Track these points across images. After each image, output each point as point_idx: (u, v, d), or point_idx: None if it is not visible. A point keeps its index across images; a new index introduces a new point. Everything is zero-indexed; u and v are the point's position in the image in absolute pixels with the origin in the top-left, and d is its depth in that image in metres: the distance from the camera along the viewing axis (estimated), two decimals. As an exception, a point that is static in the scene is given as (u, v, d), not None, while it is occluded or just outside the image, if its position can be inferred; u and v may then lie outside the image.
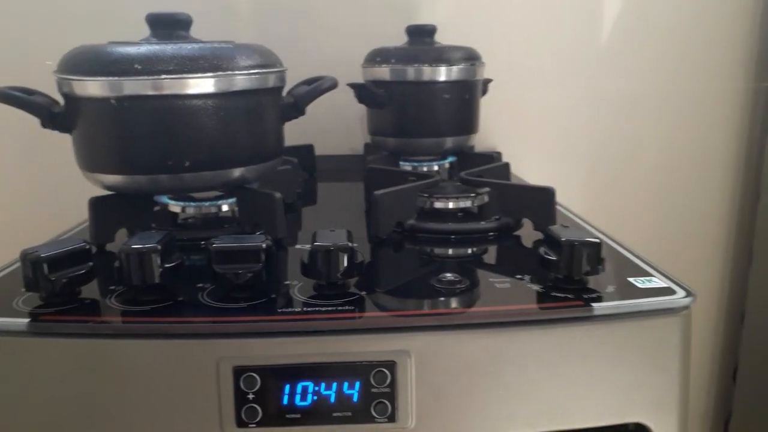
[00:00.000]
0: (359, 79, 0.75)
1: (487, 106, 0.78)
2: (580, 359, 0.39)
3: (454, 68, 0.70)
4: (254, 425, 0.37)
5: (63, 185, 0.82)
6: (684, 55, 0.91)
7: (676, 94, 0.93)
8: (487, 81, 0.78)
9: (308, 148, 0.82)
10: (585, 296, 0.40)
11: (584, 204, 0.95)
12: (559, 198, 0.56)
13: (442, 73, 0.69)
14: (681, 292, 0.40)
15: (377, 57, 0.72)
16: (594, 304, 0.39)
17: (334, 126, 0.89)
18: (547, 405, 0.39)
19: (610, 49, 0.90)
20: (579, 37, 0.90)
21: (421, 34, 0.73)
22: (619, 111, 0.93)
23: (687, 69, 0.92)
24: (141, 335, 0.37)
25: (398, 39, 0.79)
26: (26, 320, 0.38)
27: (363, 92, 0.72)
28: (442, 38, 0.76)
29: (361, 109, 0.76)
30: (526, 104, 0.92)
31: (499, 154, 0.85)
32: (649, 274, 0.43)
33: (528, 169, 0.92)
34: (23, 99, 0.50)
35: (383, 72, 0.71)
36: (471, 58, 0.71)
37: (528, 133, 0.93)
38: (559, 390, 0.39)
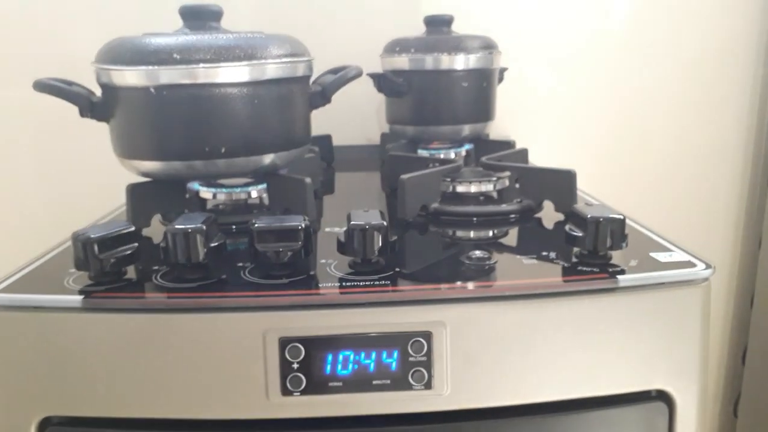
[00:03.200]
0: (374, 69, 0.77)
1: (501, 95, 0.80)
2: (606, 329, 0.41)
3: (472, 57, 0.71)
4: (298, 393, 0.39)
5: (96, 172, 0.84)
6: (696, 44, 0.93)
7: (688, 83, 0.94)
8: (503, 69, 0.80)
9: (327, 138, 0.84)
10: (610, 269, 0.41)
11: (596, 191, 0.97)
12: None
13: (460, 62, 0.71)
14: (701, 265, 0.42)
15: (396, 47, 0.74)
16: (619, 277, 0.41)
17: (351, 117, 0.90)
18: (574, 373, 0.41)
19: (624, 40, 0.92)
20: (594, 28, 0.91)
21: (439, 23, 0.75)
22: (633, 100, 0.94)
23: (699, 58, 0.93)
24: (190, 310, 0.39)
25: (414, 29, 0.80)
26: (80, 297, 0.40)
27: (383, 81, 0.74)
28: (459, 28, 0.78)
29: (377, 100, 0.78)
30: (539, 93, 0.93)
31: (513, 142, 0.87)
32: (669, 249, 0.45)
33: (540, 156, 0.94)
34: (63, 89, 0.52)
35: (402, 61, 0.73)
36: (488, 46, 0.73)
37: (541, 121, 0.95)
38: (586, 358, 0.41)
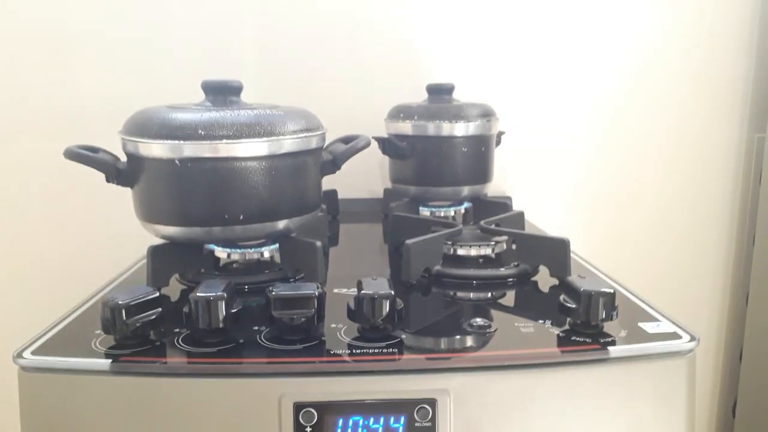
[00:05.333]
0: (379, 129, 0.82)
1: (500, 155, 0.85)
2: (598, 397, 0.44)
3: (471, 124, 0.76)
4: (311, 456, 0.41)
5: (117, 235, 0.89)
6: (685, 108, 0.98)
7: (676, 144, 1.00)
8: (501, 133, 0.85)
9: (333, 193, 0.88)
10: (601, 340, 0.45)
11: (589, 245, 1.01)
12: (564, 233, 0.63)
13: (461, 129, 0.75)
14: (686, 337, 0.45)
15: (400, 113, 0.78)
16: (609, 348, 0.44)
17: (355, 172, 0.95)
18: (562, 421, 0.43)
19: (615, 106, 0.97)
20: (587, 92, 0.97)
21: (441, 92, 0.80)
22: (624, 161, 0.99)
23: (687, 121, 0.99)
24: (210, 375, 0.42)
25: (416, 93, 0.85)
26: (108, 361, 0.43)
27: (387, 145, 0.79)
28: (459, 94, 0.83)
29: (380, 156, 0.82)
30: (536, 154, 0.98)
31: (510, 199, 0.91)
32: (656, 320, 0.48)
33: (536, 212, 0.98)
34: (91, 157, 0.55)
35: (406, 127, 0.77)
36: (486, 114, 0.78)
37: (538, 180, 0.99)
38: (580, 424, 0.43)
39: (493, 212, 0.76)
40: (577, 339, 0.45)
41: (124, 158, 0.57)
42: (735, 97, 0.98)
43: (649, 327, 0.47)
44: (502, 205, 0.79)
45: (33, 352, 0.44)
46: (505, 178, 0.97)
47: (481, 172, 0.79)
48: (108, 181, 0.56)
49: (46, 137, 0.92)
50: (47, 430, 0.43)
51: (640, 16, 0.95)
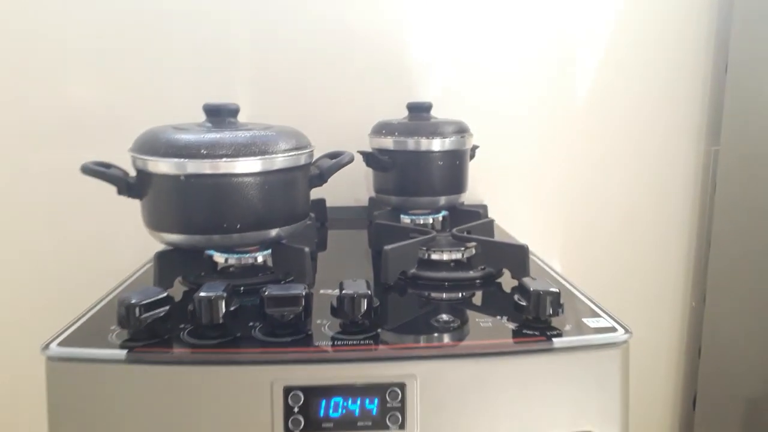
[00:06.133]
0: (363, 143, 0.89)
1: (475, 165, 0.92)
2: (544, 382, 0.51)
3: (447, 140, 0.83)
4: (298, 431, 0.48)
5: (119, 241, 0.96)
6: (645, 123, 1.07)
7: (639, 155, 1.08)
8: (475, 147, 0.92)
9: (321, 202, 0.95)
10: (548, 333, 0.52)
11: (559, 245, 1.09)
12: (536, 240, 0.69)
13: (437, 144, 0.83)
14: (621, 330, 0.53)
15: (383, 129, 0.86)
16: (555, 340, 0.51)
17: (342, 182, 1.01)
18: (519, 417, 0.51)
19: (581, 118, 1.06)
20: (555, 108, 1.05)
21: (420, 110, 0.88)
22: (590, 170, 1.07)
23: (648, 134, 1.07)
24: (211, 363, 0.49)
25: (397, 110, 0.93)
26: (124, 351, 0.50)
27: (370, 158, 0.86)
28: (437, 112, 0.90)
29: (365, 167, 0.89)
30: (508, 164, 1.06)
31: (485, 207, 0.99)
32: (598, 315, 0.56)
33: (509, 217, 1.06)
34: (105, 173, 0.62)
35: (388, 142, 0.85)
36: (461, 131, 0.85)
37: (510, 187, 1.07)
38: (529, 405, 0.51)
39: (467, 220, 0.83)
40: (527, 332, 0.53)
41: (132, 173, 0.64)
42: (693, 113, 1.07)
43: (591, 322, 0.55)
44: (475, 213, 0.87)
45: (59, 344, 0.51)
46: (482, 188, 1.05)
47: (456, 184, 0.86)
48: (119, 193, 0.63)
49: (57, 146, 0.99)
50: (71, 413, 0.50)
51: (603, 40, 1.03)
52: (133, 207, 0.64)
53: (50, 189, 1.00)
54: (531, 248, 0.66)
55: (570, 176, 1.07)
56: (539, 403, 0.51)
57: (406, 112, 0.89)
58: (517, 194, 1.07)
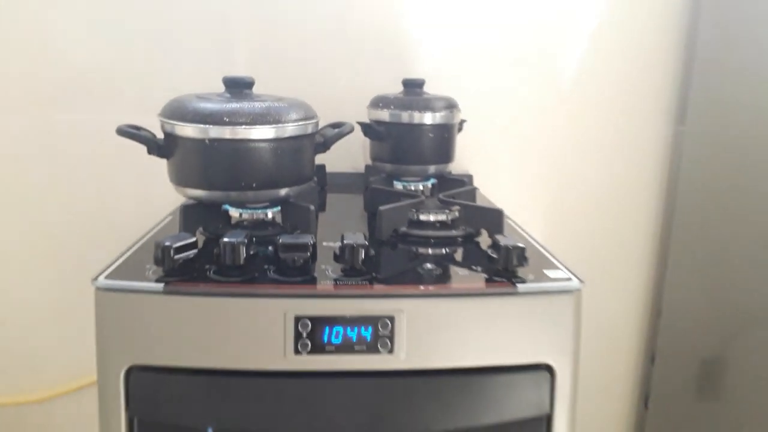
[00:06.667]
0: (361, 115, 0.98)
1: (462, 138, 1.02)
2: (509, 320, 0.62)
3: (438, 114, 0.93)
4: (305, 353, 0.59)
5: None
6: (620, 104, 1.16)
7: (613, 133, 1.18)
8: (462, 121, 1.02)
9: (322, 168, 1.05)
10: (513, 280, 0.63)
11: (540, 212, 1.19)
12: (518, 208, 0.80)
13: (428, 118, 0.92)
14: (575, 280, 0.64)
15: (379, 102, 0.95)
16: (519, 286, 0.62)
17: (341, 150, 1.10)
18: (486, 348, 0.61)
19: (562, 98, 1.15)
20: (539, 89, 1.14)
21: (413, 86, 0.96)
22: (567, 148, 1.17)
23: (622, 115, 1.17)
24: (235, 295, 0.59)
25: (394, 84, 1.01)
26: (161, 285, 0.60)
27: (368, 129, 0.95)
28: (430, 87, 0.99)
29: (362, 137, 0.99)
30: (494, 138, 1.16)
31: (470, 176, 1.09)
32: (557, 268, 0.67)
33: (493, 186, 1.16)
34: (137, 134, 0.71)
35: (384, 114, 0.94)
36: (450, 106, 0.94)
37: (495, 159, 1.17)
38: (495, 339, 0.61)
39: (453, 187, 0.93)
40: (496, 279, 0.63)
41: (160, 135, 0.73)
42: (662, 95, 1.16)
43: (550, 273, 0.65)
44: (460, 181, 0.96)
45: (106, 277, 0.60)
46: (468, 157, 1.15)
47: (445, 154, 0.96)
48: (149, 153, 0.72)
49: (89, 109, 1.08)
50: (115, 336, 0.60)
51: (585, 25, 1.12)
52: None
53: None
54: (512, 215, 0.76)
55: (551, 151, 1.17)
56: (504, 338, 0.62)
57: (401, 87, 0.98)
58: (501, 165, 1.17)
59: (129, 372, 0.60)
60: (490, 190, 1.13)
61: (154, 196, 1.07)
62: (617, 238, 1.22)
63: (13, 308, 1.17)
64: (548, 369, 0.63)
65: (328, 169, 1.07)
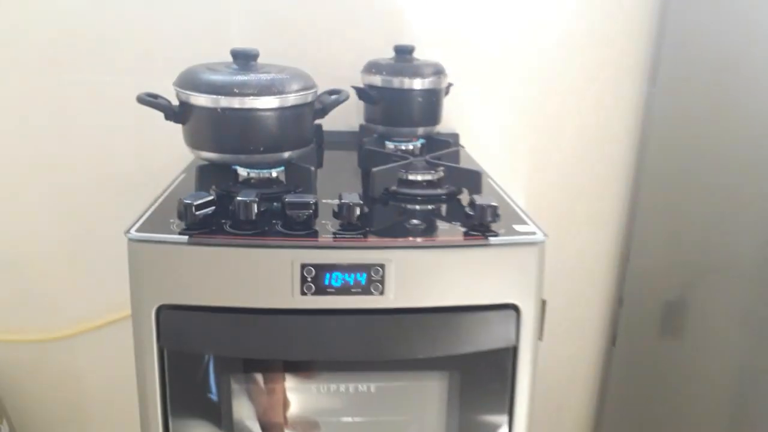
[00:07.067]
0: (356, 80, 1.06)
1: (451, 99, 1.10)
2: (483, 267, 0.72)
3: (426, 80, 1.01)
4: (310, 294, 0.70)
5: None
6: (595, 64, 1.24)
7: (590, 93, 1.26)
8: (450, 85, 1.10)
9: (319, 127, 1.13)
10: (487, 234, 0.73)
11: (519, 166, 1.29)
12: (498, 161, 0.90)
13: (418, 84, 1.00)
14: (540, 234, 0.74)
15: (372, 68, 1.02)
16: (491, 239, 0.72)
17: (337, 110, 1.19)
18: (463, 291, 0.72)
19: (543, 61, 1.23)
20: (523, 52, 1.22)
21: (404, 52, 1.04)
22: (546, 108, 1.26)
23: (598, 77, 1.25)
24: (249, 246, 0.69)
25: (386, 48, 1.09)
26: (185, 237, 0.70)
27: (361, 93, 1.03)
28: (419, 46, 1.06)
29: (356, 98, 1.06)
30: (480, 99, 1.24)
31: (456, 135, 1.18)
32: (525, 223, 0.77)
33: (477, 143, 1.25)
34: (155, 102, 0.80)
35: (376, 80, 1.02)
36: (438, 72, 1.02)
37: (481, 119, 1.26)
38: (470, 283, 0.72)
39: (440, 147, 1.02)
40: (472, 233, 0.73)
41: (175, 102, 0.81)
42: (636, 58, 1.25)
43: (519, 228, 0.76)
44: (446, 142, 1.05)
45: (137, 230, 0.70)
46: (455, 117, 1.23)
47: (432, 117, 1.05)
48: (166, 119, 0.81)
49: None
50: (147, 280, 0.70)
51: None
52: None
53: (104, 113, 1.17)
54: (496, 168, 0.86)
55: (532, 110, 1.26)
56: (478, 282, 0.73)
57: (392, 53, 1.06)
58: (485, 125, 1.26)
59: (159, 310, 0.71)
60: (475, 147, 1.22)
61: (153, 151, 1.18)
62: (591, 190, 1.33)
63: (31, 255, 1.27)
64: (515, 308, 0.74)
65: (325, 128, 1.15)
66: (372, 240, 0.72)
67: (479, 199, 0.74)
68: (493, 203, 0.74)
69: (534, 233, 0.74)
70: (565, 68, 1.24)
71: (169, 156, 1.07)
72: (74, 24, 1.13)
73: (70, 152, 1.20)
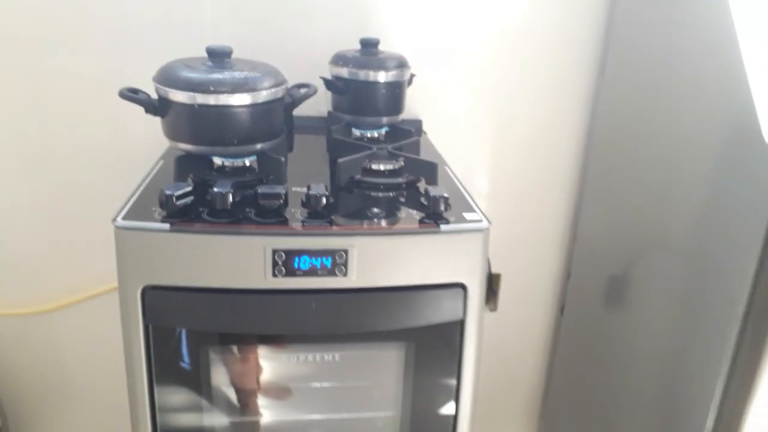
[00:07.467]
0: (324, 71, 1.12)
1: (415, 86, 1.17)
2: (435, 252, 0.82)
3: (390, 73, 1.08)
4: (281, 276, 0.78)
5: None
6: (549, 54, 1.33)
7: (542, 82, 1.35)
8: (412, 76, 1.17)
9: (289, 113, 1.19)
10: (438, 222, 0.82)
11: (478, 152, 1.38)
12: (459, 146, 0.99)
13: (382, 77, 1.07)
14: (485, 221, 0.83)
15: (339, 60, 1.09)
16: (442, 226, 0.81)
17: (307, 96, 1.26)
18: (417, 271, 0.82)
19: (500, 51, 1.31)
20: (481, 43, 1.30)
21: (369, 45, 1.10)
22: (503, 95, 1.34)
23: (550, 64, 1.34)
24: (224, 233, 0.77)
25: (353, 40, 1.15)
26: (167, 225, 0.77)
27: (329, 83, 1.10)
28: (385, 45, 1.13)
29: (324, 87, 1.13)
30: (441, 86, 1.32)
31: (420, 121, 1.26)
32: (473, 211, 0.86)
33: (438, 128, 1.33)
34: (136, 97, 0.85)
35: (343, 71, 1.08)
36: (401, 65, 1.10)
37: (442, 106, 1.34)
38: (424, 266, 0.82)
39: (402, 136, 1.10)
40: (426, 221, 0.83)
41: (153, 96, 0.87)
42: (586, 50, 1.34)
43: (468, 215, 0.85)
44: (408, 132, 1.13)
45: (123, 218, 0.77)
46: (419, 105, 1.31)
47: (396, 107, 1.12)
48: (146, 112, 0.87)
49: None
50: (133, 263, 0.78)
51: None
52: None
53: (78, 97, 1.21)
54: (456, 153, 0.94)
55: (489, 98, 1.35)
56: (430, 264, 0.82)
57: (358, 46, 1.12)
58: (448, 110, 1.34)
59: (144, 291, 0.78)
60: (438, 131, 1.31)
61: (128, 131, 1.25)
62: (543, 172, 1.43)
63: (10, 231, 1.32)
64: (462, 287, 0.84)
65: (295, 113, 1.21)
66: (336, 228, 0.80)
67: (433, 191, 0.83)
68: (445, 194, 0.83)
69: (480, 221, 0.84)
70: (520, 57, 1.32)
71: (145, 135, 1.14)
72: (52, 7, 1.16)
73: (47, 132, 1.25)
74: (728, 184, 0.91)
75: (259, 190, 0.80)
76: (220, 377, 0.87)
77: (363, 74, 1.07)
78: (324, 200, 0.80)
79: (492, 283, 1.50)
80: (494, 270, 1.49)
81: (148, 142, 1.08)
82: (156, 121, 0.88)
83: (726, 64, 0.92)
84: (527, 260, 1.52)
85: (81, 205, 1.29)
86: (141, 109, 0.86)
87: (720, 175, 0.93)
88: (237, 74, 0.85)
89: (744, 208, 0.87)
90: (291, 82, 0.94)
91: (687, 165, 1.04)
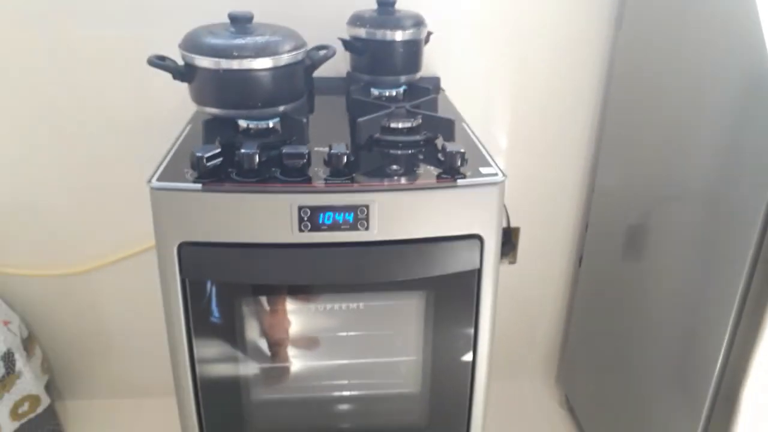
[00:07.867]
0: (341, 32, 1.14)
1: (433, 45, 1.19)
2: (452, 205, 0.85)
3: (407, 32, 1.09)
4: (307, 231, 0.83)
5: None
6: (565, 8, 1.32)
7: (561, 36, 1.35)
8: (429, 33, 1.18)
9: (310, 75, 1.22)
10: (455, 177, 0.86)
11: (497, 105, 1.40)
12: (478, 102, 1.02)
13: (399, 36, 1.09)
14: (501, 175, 0.87)
15: (357, 21, 1.11)
16: (459, 181, 0.85)
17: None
18: (436, 223, 0.86)
19: (514, 11, 1.31)
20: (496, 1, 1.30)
21: (386, 4, 1.12)
22: (520, 49, 1.35)
23: (569, 19, 1.33)
24: (255, 191, 0.82)
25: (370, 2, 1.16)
26: (199, 185, 0.82)
27: (347, 44, 1.12)
28: (401, 4, 1.15)
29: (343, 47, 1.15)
30: (459, 45, 1.33)
31: (438, 78, 1.28)
32: (489, 165, 0.89)
33: (457, 85, 1.34)
34: (163, 64, 0.89)
35: (361, 32, 1.10)
36: (418, 24, 1.11)
37: (459, 63, 1.35)
38: (442, 218, 0.85)
39: (420, 94, 1.12)
40: (444, 176, 0.86)
41: (180, 62, 0.91)
42: (604, 3, 1.33)
43: (484, 170, 0.88)
44: (426, 89, 1.15)
45: (157, 180, 0.83)
46: (437, 62, 1.33)
47: (413, 65, 1.14)
48: (174, 78, 0.91)
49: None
50: (169, 221, 0.83)
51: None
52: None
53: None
54: (476, 109, 0.95)
55: (509, 52, 1.35)
56: (448, 217, 0.86)
57: (375, 4, 1.14)
58: (467, 67, 1.36)
59: (180, 247, 0.84)
60: (457, 88, 1.33)
61: (154, 98, 1.29)
62: (561, 126, 1.44)
63: (48, 198, 1.40)
64: (479, 238, 0.88)
65: (315, 74, 1.24)
66: (358, 185, 0.84)
67: (449, 146, 0.86)
68: (461, 150, 0.86)
69: (495, 174, 0.87)
70: (537, 11, 1.32)
71: (170, 102, 1.19)
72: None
73: (76, 102, 1.30)
74: (743, 133, 0.92)
75: (284, 151, 0.84)
76: (252, 329, 0.94)
77: (380, 34, 1.09)
78: (345, 159, 0.84)
79: (511, 236, 1.53)
80: (513, 223, 1.52)
81: (174, 107, 1.12)
82: (180, 87, 0.92)
83: (742, 14, 0.92)
84: (546, 213, 1.54)
85: (112, 169, 1.35)
86: (166, 75, 0.90)
87: (735, 124, 0.94)
88: (258, 39, 0.88)
89: (757, 157, 0.88)
90: (310, 45, 0.97)
91: (703, 115, 1.05)
